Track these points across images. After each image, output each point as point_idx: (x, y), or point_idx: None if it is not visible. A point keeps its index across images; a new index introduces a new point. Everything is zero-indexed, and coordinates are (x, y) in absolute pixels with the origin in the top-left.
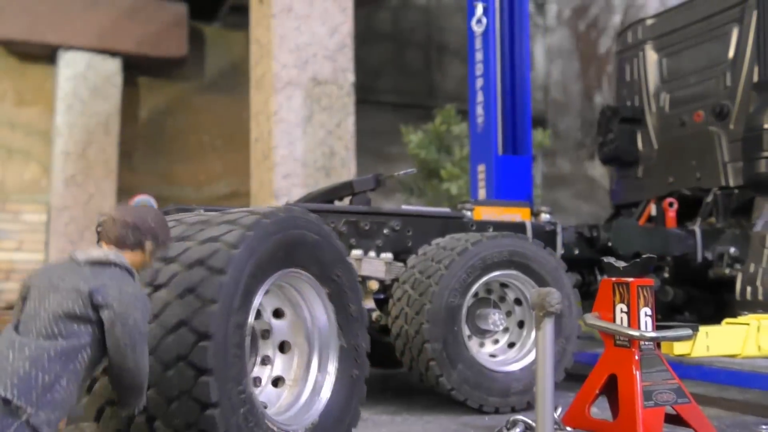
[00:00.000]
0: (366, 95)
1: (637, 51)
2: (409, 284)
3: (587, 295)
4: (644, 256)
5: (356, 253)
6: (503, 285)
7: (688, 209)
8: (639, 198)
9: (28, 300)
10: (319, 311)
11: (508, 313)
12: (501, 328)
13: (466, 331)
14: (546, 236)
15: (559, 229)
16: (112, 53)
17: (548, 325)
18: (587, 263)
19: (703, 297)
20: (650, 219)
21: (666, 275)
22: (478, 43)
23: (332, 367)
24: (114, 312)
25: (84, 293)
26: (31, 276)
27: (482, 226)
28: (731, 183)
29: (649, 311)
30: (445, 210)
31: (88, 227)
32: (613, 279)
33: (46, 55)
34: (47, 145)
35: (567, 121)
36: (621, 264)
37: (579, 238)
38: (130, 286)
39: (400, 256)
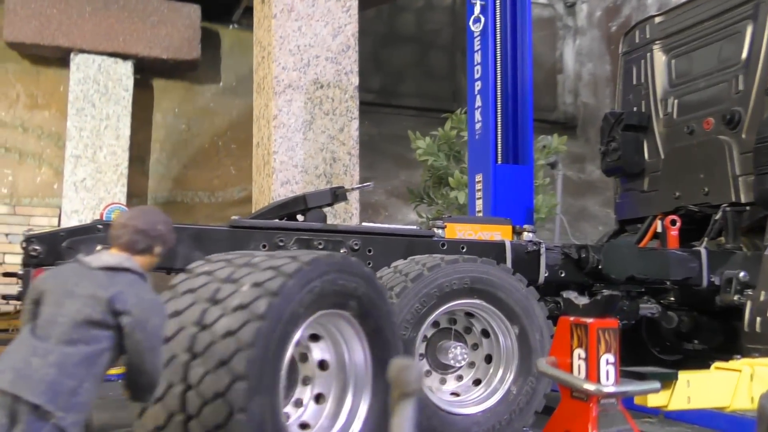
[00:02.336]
0: (388, 99)
1: (644, 52)
2: None
3: None
4: (606, 293)
5: None
6: (469, 314)
7: (699, 226)
8: (645, 213)
9: (43, 305)
10: (356, 348)
11: (475, 346)
12: (463, 363)
13: (424, 367)
14: (528, 257)
15: (542, 250)
16: (124, 56)
17: (406, 409)
18: (577, 287)
19: (711, 324)
20: (656, 237)
21: (671, 299)
22: (477, 44)
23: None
24: (133, 318)
25: (103, 300)
26: (41, 280)
27: (454, 246)
28: (742, 199)
29: (611, 358)
30: (411, 228)
31: None
32: (571, 319)
33: (58, 58)
34: (60, 148)
35: (598, 126)
36: (581, 301)
37: (565, 259)
38: (147, 293)
39: None
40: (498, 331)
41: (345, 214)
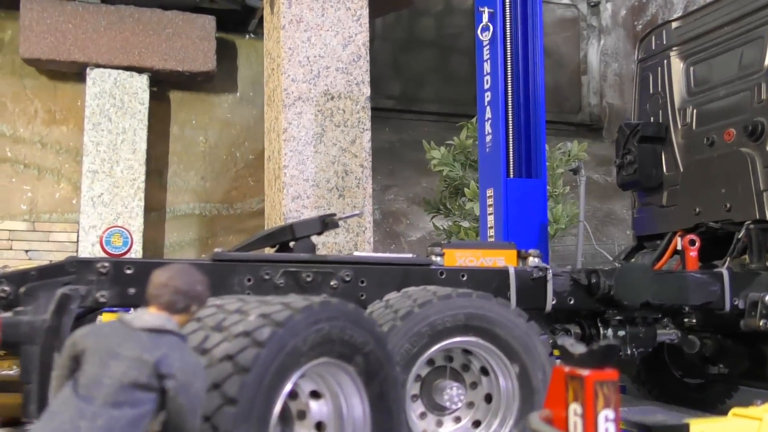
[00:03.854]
0: (408, 105)
1: (661, 59)
2: None
3: None
4: (605, 343)
5: None
6: (467, 351)
7: (721, 243)
8: (664, 229)
9: (85, 363)
10: (356, 409)
11: (473, 385)
12: (459, 405)
13: (418, 409)
14: (533, 284)
15: (549, 276)
16: (139, 69)
17: None
18: (588, 313)
19: (737, 349)
20: (676, 254)
21: (693, 321)
22: (486, 53)
23: None
24: (178, 382)
25: (149, 364)
26: (80, 337)
27: (454, 274)
28: (767, 216)
29: (611, 414)
30: (407, 256)
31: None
32: (566, 369)
33: (74, 73)
34: (78, 163)
35: None
36: (577, 349)
37: (574, 286)
38: (190, 356)
39: None
40: (497, 369)
41: (358, 228)
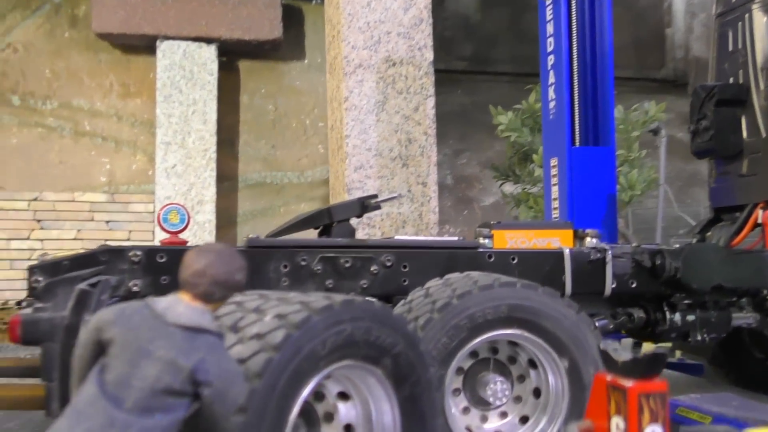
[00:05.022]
0: (481, 66)
1: (742, 13)
2: None
3: (655, 337)
4: (655, 351)
5: None
6: (513, 342)
7: None
8: (744, 200)
9: (112, 357)
10: (386, 413)
11: (521, 378)
12: (504, 401)
13: (461, 404)
14: (591, 267)
15: (608, 258)
16: (207, 40)
17: None
18: (653, 296)
19: None
20: (756, 227)
21: None
22: (549, 14)
23: None
24: (215, 389)
25: (185, 370)
26: (106, 323)
27: (503, 257)
28: None
29: (658, 430)
30: (452, 239)
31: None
32: (608, 378)
33: (146, 46)
34: (152, 135)
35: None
36: (621, 356)
37: (637, 268)
38: (227, 361)
39: (394, 298)
40: (545, 364)
41: (423, 197)
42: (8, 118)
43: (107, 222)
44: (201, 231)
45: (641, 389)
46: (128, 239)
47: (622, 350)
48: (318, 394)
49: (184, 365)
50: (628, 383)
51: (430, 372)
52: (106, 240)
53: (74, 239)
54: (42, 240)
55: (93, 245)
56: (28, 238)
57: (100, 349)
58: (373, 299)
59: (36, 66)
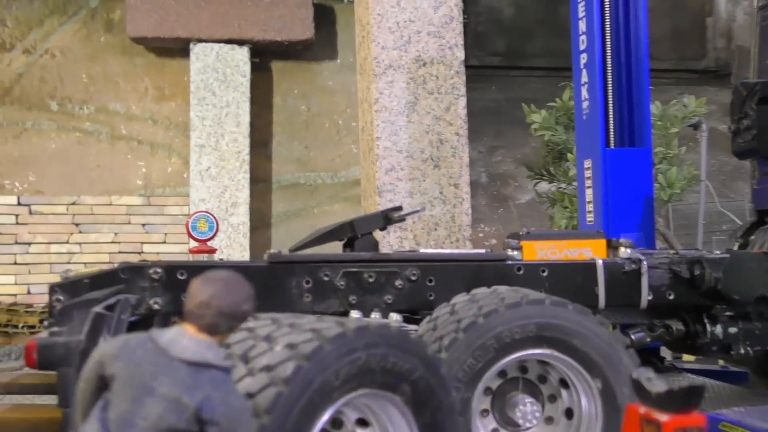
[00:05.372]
0: (515, 61)
1: None
2: None
3: (695, 350)
4: (692, 383)
5: (355, 315)
6: (543, 361)
7: None
8: None
9: (116, 395)
10: (403, 431)
11: (552, 398)
12: (534, 422)
13: (490, 425)
14: (626, 278)
15: (644, 269)
16: (240, 42)
17: None
18: (693, 307)
19: None
20: None
21: None
22: (581, 11)
23: None
24: (221, 429)
25: (189, 408)
26: (109, 357)
27: (533, 270)
28: None
29: None
30: (479, 252)
31: (222, 220)
32: (641, 411)
33: (179, 49)
34: (187, 138)
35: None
36: (655, 386)
37: (674, 278)
38: (235, 397)
39: (420, 313)
40: (577, 384)
41: (455, 199)
42: (47, 123)
43: (143, 225)
44: (235, 233)
45: (677, 424)
46: (164, 242)
47: (657, 381)
48: (336, 421)
49: (188, 403)
50: (663, 417)
51: (452, 396)
52: (143, 243)
53: (111, 242)
54: (80, 243)
55: (130, 248)
56: (67, 242)
57: (103, 383)
58: (390, 321)
59: (73, 71)
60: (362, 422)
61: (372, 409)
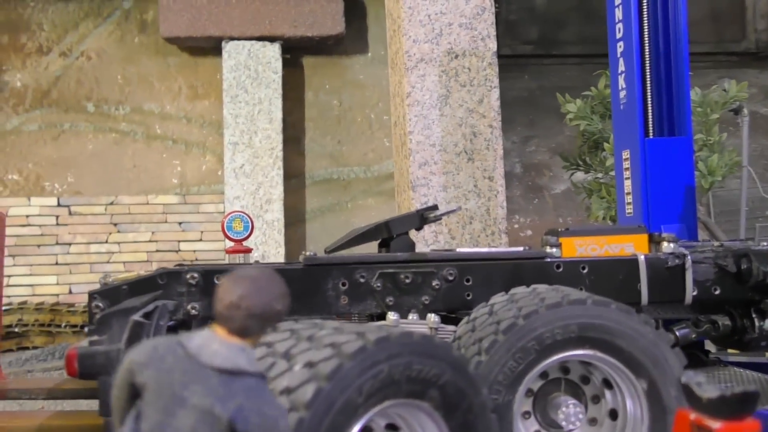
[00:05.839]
0: (548, 49)
1: None
2: None
3: (743, 346)
4: (746, 389)
5: (392, 317)
6: (585, 361)
7: None
8: None
9: (147, 405)
10: None
11: (595, 399)
12: (578, 424)
13: (532, 427)
14: (669, 274)
15: (688, 264)
16: (271, 39)
17: None
18: (740, 301)
19: None
20: None
21: None
22: None
23: None
24: None
25: (222, 420)
26: (138, 365)
27: (572, 267)
28: None
29: None
30: (517, 250)
31: (257, 217)
32: (692, 417)
33: (212, 47)
34: (220, 135)
35: None
36: (706, 392)
37: (720, 273)
38: (270, 405)
39: (458, 313)
40: (622, 385)
41: (490, 192)
42: (84, 125)
43: (180, 223)
44: (270, 230)
45: (731, 430)
46: (200, 239)
47: (707, 386)
48: (365, 429)
49: (221, 414)
50: (715, 424)
51: (484, 394)
52: (180, 241)
53: (149, 241)
54: (119, 243)
55: (167, 247)
56: (106, 242)
57: (134, 391)
58: (428, 322)
59: (108, 72)
60: (392, 426)
61: (401, 416)
